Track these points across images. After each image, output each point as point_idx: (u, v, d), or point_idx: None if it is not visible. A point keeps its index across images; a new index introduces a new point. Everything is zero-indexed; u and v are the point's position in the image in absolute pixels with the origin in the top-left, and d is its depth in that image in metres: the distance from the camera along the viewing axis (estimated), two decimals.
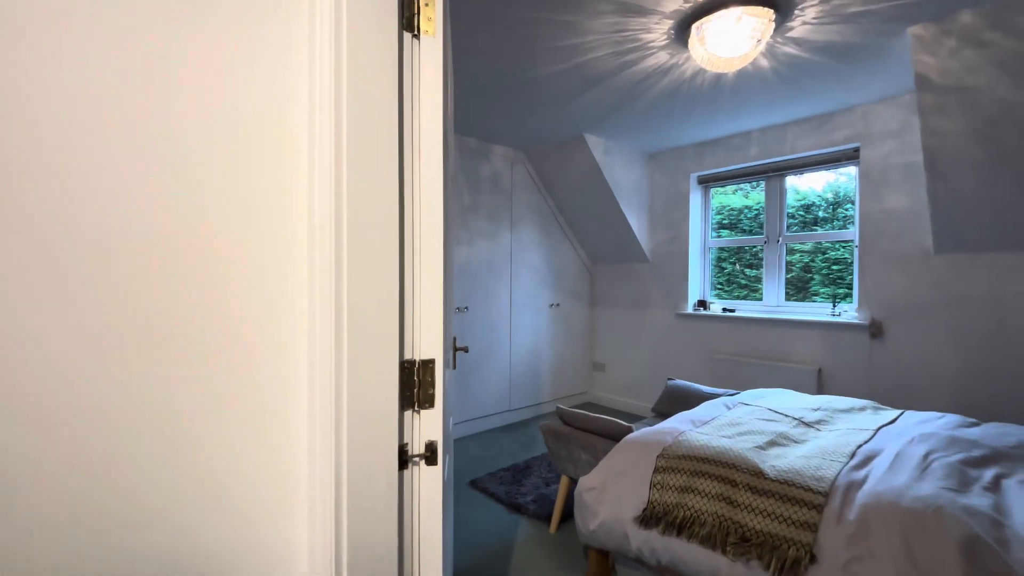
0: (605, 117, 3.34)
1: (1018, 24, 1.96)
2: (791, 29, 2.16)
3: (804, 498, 1.36)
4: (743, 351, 3.68)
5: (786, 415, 2.11)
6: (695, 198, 4.10)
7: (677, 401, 2.96)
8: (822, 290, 3.53)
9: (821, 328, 3.29)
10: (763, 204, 3.80)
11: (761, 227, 3.82)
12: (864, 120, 3.11)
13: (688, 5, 1.98)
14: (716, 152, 3.87)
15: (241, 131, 0.79)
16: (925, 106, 2.35)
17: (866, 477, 1.44)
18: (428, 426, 0.94)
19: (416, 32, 0.93)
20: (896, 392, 2.96)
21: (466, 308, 3.74)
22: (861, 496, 1.33)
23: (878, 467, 1.52)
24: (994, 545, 1.12)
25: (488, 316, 3.92)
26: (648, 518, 1.59)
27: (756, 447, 1.71)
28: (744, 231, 3.98)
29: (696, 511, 1.51)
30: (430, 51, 0.95)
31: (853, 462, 1.56)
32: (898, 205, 2.98)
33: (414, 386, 0.93)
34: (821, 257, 3.54)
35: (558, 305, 4.51)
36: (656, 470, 1.68)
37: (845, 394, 3.15)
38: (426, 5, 0.93)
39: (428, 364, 0.94)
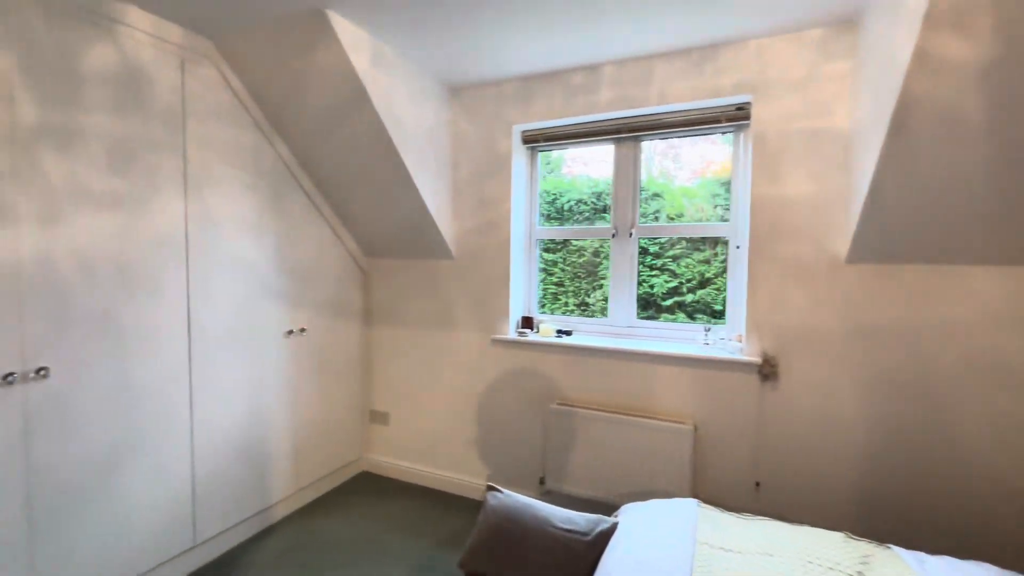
0: None
1: None
2: None
3: None
4: (589, 397, 2.48)
5: None
6: (519, 164, 2.71)
7: (506, 543, 1.52)
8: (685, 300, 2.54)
9: (692, 365, 2.26)
10: (608, 179, 2.63)
11: (596, 212, 2.65)
12: (760, 61, 2.10)
13: None
14: (550, 93, 2.51)
15: None
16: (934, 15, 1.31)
17: None
18: None
19: None
20: (796, 462, 2.08)
21: (41, 372, 1.60)
22: None
23: None
24: None
25: (124, 378, 1.84)
26: None
27: None
28: (570, 215, 2.76)
29: None
30: None
31: None
32: (799, 191, 2.06)
33: None
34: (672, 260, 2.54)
35: (303, 331, 2.65)
36: None
37: (731, 466, 2.18)
38: None
39: None
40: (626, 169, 2.56)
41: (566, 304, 2.84)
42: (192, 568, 2.11)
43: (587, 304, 2.79)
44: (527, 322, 2.72)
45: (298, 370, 2.62)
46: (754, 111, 2.12)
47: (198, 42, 2.07)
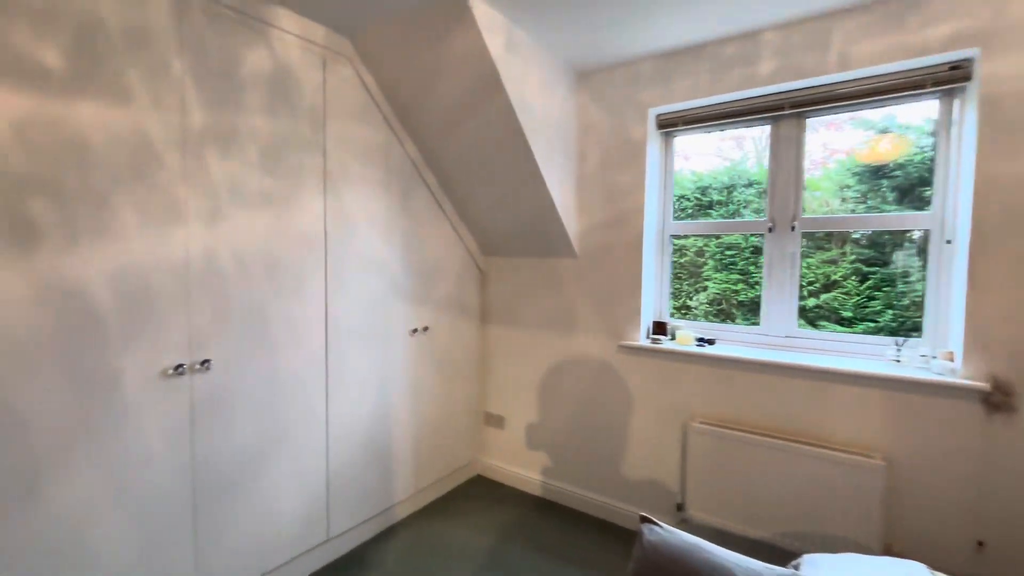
0: None
1: None
2: None
3: None
4: (740, 417, 2.15)
5: None
6: (653, 151, 2.45)
7: None
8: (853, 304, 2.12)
9: (883, 386, 1.85)
10: (714, 173, 2.27)
11: (700, 209, 2.30)
12: (993, 1, 1.65)
13: None
14: (694, 69, 2.22)
15: None
16: None
17: None
18: None
19: None
20: None
21: (205, 364, 1.67)
22: None
23: None
24: None
25: (271, 372, 1.89)
26: None
27: None
28: (702, 207, 2.44)
29: None
30: None
31: None
32: None
33: None
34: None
35: (426, 329, 2.62)
36: None
37: (942, 516, 1.73)
38: None
39: None
40: (786, 152, 2.19)
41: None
42: (325, 562, 2.14)
43: (688, 307, 2.54)
44: (660, 327, 2.45)
45: (420, 369, 2.59)
46: (982, 68, 1.66)
47: (338, 41, 2.09)
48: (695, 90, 2.22)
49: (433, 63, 2.06)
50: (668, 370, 2.34)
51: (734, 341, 2.33)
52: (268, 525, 1.90)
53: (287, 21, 1.89)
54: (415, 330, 2.54)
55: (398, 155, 2.40)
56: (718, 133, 2.42)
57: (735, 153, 2.47)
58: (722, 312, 2.47)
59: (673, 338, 2.43)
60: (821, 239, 2.20)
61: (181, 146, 1.60)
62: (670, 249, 2.53)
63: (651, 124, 2.40)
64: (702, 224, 2.45)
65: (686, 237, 2.53)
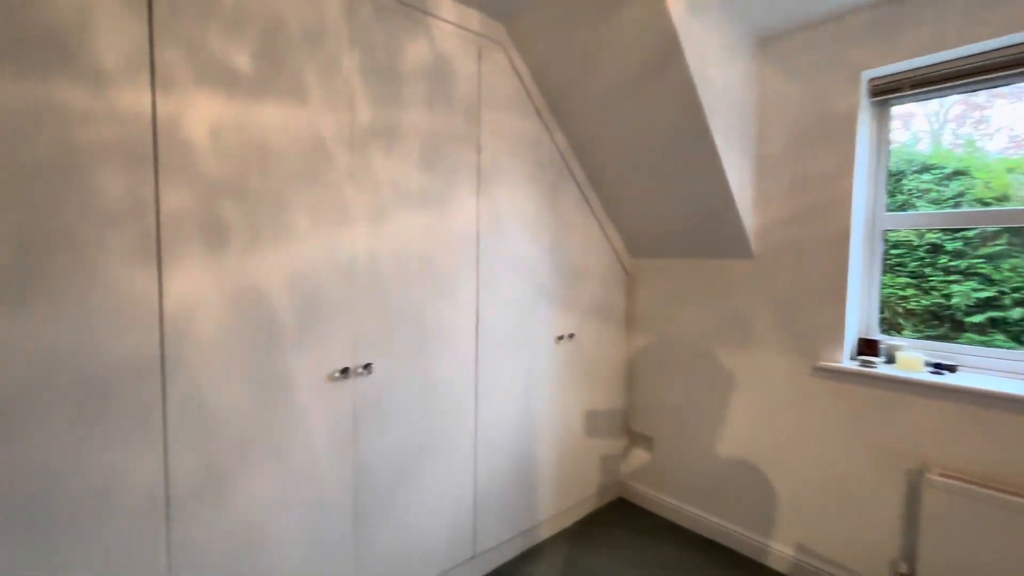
0: None
1: None
2: None
3: None
4: (1008, 475, 1.60)
5: None
6: (863, 126, 1.95)
7: None
8: None
9: None
10: (933, 149, 1.66)
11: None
12: None
13: None
14: (937, 13, 1.70)
15: None
16: None
17: None
18: None
19: None
20: None
21: (367, 368, 1.62)
22: None
23: None
24: None
25: (425, 377, 1.80)
26: None
27: None
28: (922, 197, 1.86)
29: None
30: None
31: None
32: None
33: None
34: None
35: (571, 336, 2.40)
36: None
37: None
38: None
39: None
40: None
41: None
42: None
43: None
44: (869, 347, 1.95)
45: (566, 379, 2.39)
46: None
47: (491, 27, 1.95)
48: (938, 40, 1.70)
49: (598, 39, 1.82)
50: (885, 402, 1.84)
51: (987, 369, 1.76)
52: (420, 535, 1.83)
53: (444, 9, 1.79)
54: (560, 337, 2.33)
55: (548, 147, 2.21)
56: (924, 103, 1.89)
57: (901, 135, 2.00)
58: (884, 321, 2.01)
59: (890, 361, 1.92)
60: None
61: (349, 144, 1.56)
62: (881, 248, 2.01)
63: (863, 91, 1.91)
64: (938, 216, 1.89)
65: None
